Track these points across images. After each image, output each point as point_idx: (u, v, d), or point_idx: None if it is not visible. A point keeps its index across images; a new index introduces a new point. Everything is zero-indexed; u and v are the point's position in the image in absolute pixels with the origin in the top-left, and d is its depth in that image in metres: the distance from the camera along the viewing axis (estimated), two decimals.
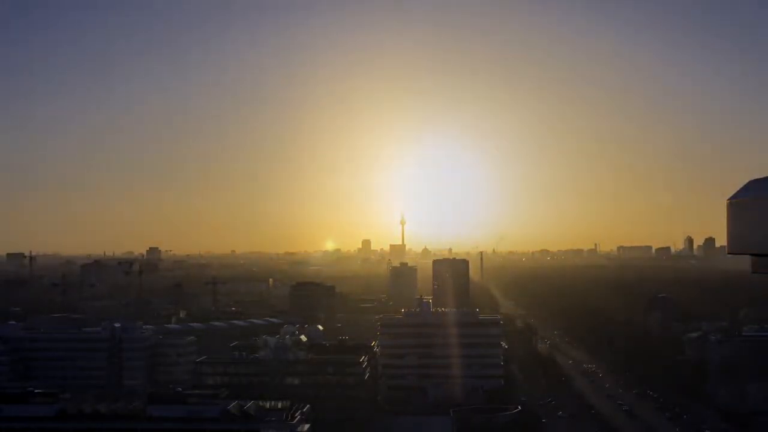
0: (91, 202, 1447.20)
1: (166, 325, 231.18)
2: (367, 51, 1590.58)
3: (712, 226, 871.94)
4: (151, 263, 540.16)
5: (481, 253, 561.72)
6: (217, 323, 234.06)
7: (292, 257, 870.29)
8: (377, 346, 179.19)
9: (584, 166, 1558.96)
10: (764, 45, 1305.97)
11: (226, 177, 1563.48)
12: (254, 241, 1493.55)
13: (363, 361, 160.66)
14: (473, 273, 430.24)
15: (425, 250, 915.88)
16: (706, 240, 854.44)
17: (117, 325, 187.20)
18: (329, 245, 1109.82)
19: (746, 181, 7.59)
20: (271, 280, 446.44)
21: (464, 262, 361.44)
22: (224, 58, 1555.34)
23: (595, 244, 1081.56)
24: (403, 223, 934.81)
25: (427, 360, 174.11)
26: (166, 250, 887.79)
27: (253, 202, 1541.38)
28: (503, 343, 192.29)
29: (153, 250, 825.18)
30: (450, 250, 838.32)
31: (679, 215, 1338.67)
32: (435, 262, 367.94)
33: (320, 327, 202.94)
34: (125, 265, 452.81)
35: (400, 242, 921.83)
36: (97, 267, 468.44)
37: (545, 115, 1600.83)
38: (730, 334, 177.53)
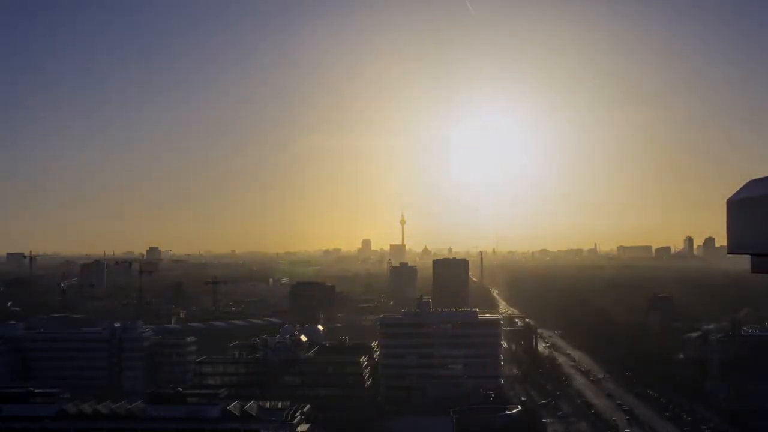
0: (91, 202, 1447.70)
1: (166, 325, 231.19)
2: (366, 50, 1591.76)
3: (712, 226, 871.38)
4: (151, 263, 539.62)
5: (481, 253, 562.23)
6: (217, 323, 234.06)
7: (292, 257, 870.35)
8: (377, 346, 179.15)
9: (584, 166, 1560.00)
10: (764, 44, 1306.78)
11: (226, 177, 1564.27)
12: (254, 241, 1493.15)
13: (363, 361, 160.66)
14: (473, 273, 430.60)
15: (425, 250, 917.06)
16: (706, 240, 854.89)
17: (117, 325, 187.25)
18: (329, 245, 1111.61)
19: (746, 181, 7.58)
20: (271, 280, 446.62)
21: (464, 262, 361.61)
22: (222, 57, 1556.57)
23: (595, 244, 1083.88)
24: (403, 223, 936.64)
25: (427, 360, 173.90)
26: (166, 250, 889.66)
27: (253, 202, 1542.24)
28: (503, 343, 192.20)
29: (153, 250, 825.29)
30: (450, 250, 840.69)
31: (679, 215, 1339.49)
32: (435, 262, 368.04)
33: (320, 327, 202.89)
34: (125, 264, 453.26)
35: (400, 242, 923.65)
36: (97, 267, 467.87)
37: (545, 114, 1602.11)
38: (730, 334, 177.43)
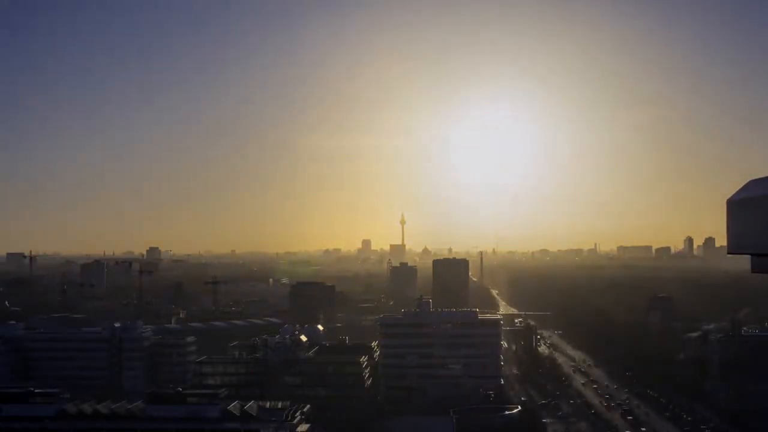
0: (91, 202, 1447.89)
1: (166, 325, 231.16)
2: (366, 50, 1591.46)
3: (712, 226, 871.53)
4: (151, 263, 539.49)
5: (481, 253, 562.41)
6: (217, 323, 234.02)
7: (292, 257, 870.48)
8: (377, 346, 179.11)
9: (585, 166, 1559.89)
10: (764, 44, 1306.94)
11: (226, 177, 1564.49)
12: (254, 241, 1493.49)
13: (363, 361, 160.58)
14: (473, 273, 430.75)
15: (425, 250, 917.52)
16: (706, 240, 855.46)
17: (117, 325, 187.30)
18: (329, 245, 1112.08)
19: (746, 181, 7.57)
20: (271, 280, 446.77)
21: (464, 262, 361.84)
22: (222, 57, 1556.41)
23: (595, 244, 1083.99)
24: (403, 223, 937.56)
25: (427, 360, 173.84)
26: (166, 250, 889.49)
27: (253, 202, 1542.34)
28: (503, 343, 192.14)
29: (153, 250, 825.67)
30: (450, 250, 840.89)
31: (679, 215, 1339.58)
32: (435, 262, 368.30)
33: (320, 327, 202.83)
34: (125, 264, 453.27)
35: (400, 242, 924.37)
36: (97, 267, 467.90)
37: (545, 114, 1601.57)
38: (730, 334, 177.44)
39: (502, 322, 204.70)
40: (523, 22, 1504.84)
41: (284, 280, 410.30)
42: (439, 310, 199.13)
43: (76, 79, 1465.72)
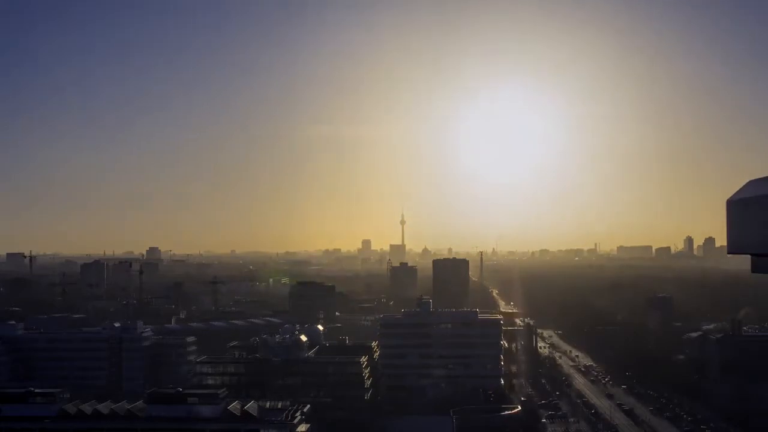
0: (91, 202, 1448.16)
1: (166, 325, 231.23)
2: (366, 48, 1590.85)
3: (712, 226, 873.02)
4: (151, 263, 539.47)
5: (481, 253, 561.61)
6: (217, 323, 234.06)
7: (292, 257, 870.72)
8: (377, 346, 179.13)
9: (585, 166, 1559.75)
10: (765, 44, 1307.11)
11: (226, 177, 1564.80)
12: (254, 241, 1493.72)
13: (363, 361, 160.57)
14: (473, 273, 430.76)
15: (425, 250, 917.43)
16: (706, 240, 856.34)
17: (117, 325, 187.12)
18: (329, 245, 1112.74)
19: (746, 181, 7.59)
20: (271, 280, 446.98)
21: (464, 262, 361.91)
22: (222, 59, 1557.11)
23: (595, 244, 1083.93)
24: (403, 223, 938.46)
25: (427, 360, 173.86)
26: (166, 250, 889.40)
27: (253, 202, 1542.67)
28: (503, 343, 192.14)
29: (153, 250, 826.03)
30: (450, 250, 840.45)
31: (679, 215, 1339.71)
32: (435, 262, 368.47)
33: (320, 327, 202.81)
34: (125, 264, 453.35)
35: (400, 242, 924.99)
36: (97, 267, 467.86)
37: (545, 114, 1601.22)
38: (730, 334, 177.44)
39: (502, 322, 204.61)
40: (524, 22, 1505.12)
41: (284, 280, 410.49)
42: (439, 310, 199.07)
43: (76, 79, 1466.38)
